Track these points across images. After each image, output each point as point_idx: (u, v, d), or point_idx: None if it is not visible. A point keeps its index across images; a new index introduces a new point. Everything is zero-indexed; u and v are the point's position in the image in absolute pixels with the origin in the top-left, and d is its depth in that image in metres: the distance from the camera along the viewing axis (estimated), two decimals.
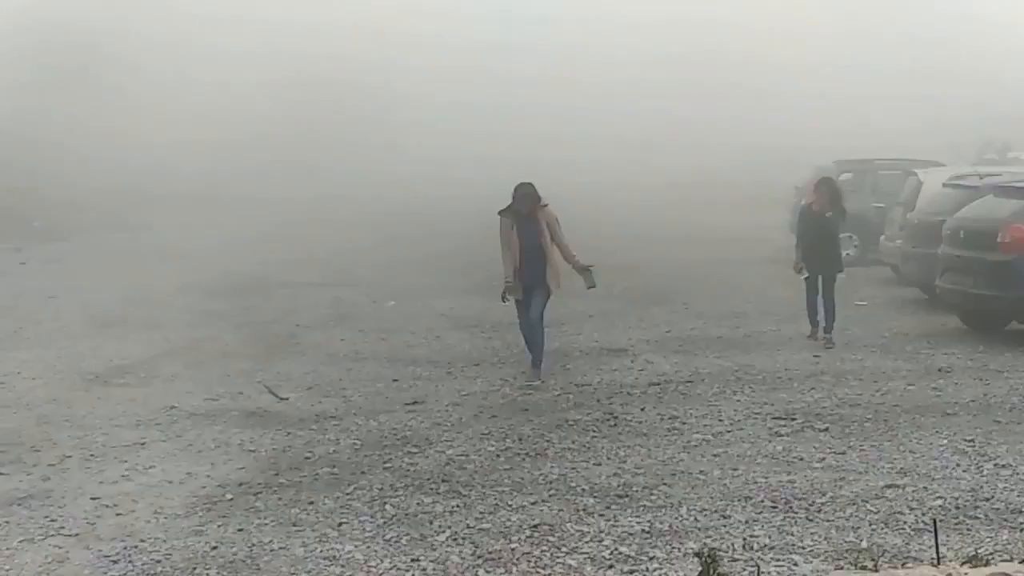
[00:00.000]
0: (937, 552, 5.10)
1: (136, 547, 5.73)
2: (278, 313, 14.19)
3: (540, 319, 9.77)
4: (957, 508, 6.03)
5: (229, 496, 6.55)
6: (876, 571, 4.93)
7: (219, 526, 6.02)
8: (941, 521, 5.60)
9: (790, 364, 10.21)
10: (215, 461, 7.33)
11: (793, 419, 8.09)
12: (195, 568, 5.42)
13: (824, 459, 7.03)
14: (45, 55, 40.70)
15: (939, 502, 6.12)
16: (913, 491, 6.31)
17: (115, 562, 5.54)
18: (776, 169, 32.34)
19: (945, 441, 7.40)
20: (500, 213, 9.84)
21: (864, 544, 5.46)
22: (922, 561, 5.21)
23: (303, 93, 45.98)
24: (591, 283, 9.84)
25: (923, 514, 5.91)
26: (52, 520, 6.18)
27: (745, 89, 46.51)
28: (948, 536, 5.52)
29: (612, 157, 42.01)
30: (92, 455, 7.53)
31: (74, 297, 15.58)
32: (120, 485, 6.83)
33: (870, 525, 5.77)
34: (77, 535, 5.94)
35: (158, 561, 5.53)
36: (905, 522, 5.81)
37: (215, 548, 5.68)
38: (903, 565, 5.13)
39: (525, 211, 9.69)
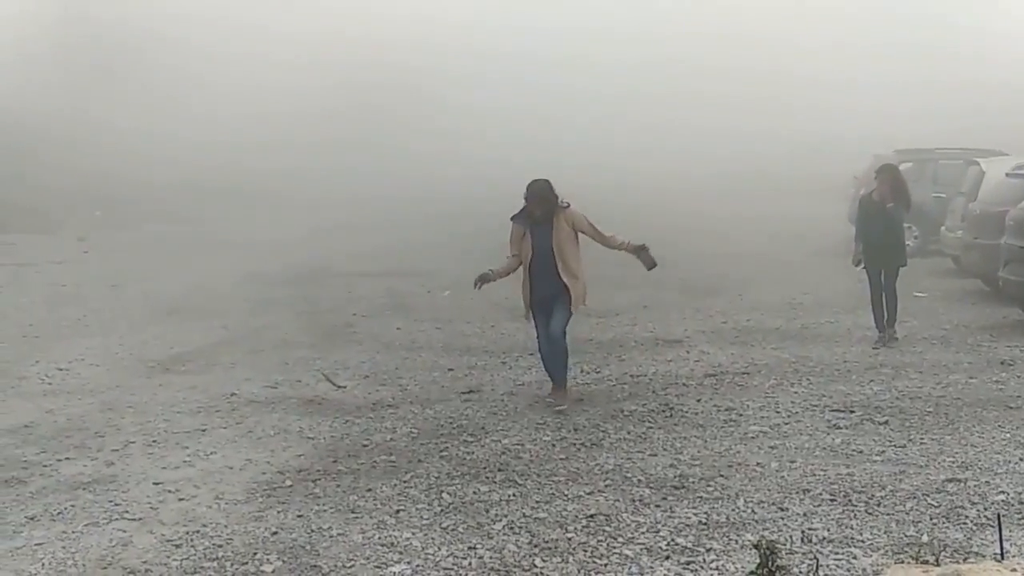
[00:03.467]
0: (1001, 547, 5.03)
1: (198, 532, 5.82)
2: (335, 302, 14.32)
3: (563, 335, 8.42)
4: (1021, 503, 5.93)
5: (288, 482, 6.63)
6: (937, 566, 4.87)
7: (279, 512, 6.10)
8: (1004, 516, 5.51)
9: (848, 356, 10.11)
10: (274, 448, 7.43)
11: (852, 412, 8.01)
12: (255, 553, 5.49)
13: (884, 452, 6.96)
14: (98, 52, 41.30)
15: (1002, 497, 6.03)
16: (975, 485, 6.23)
17: (177, 546, 5.63)
18: (831, 158, 32.01)
19: (1008, 435, 7.28)
20: (513, 218, 8.51)
21: (925, 538, 5.40)
22: (984, 556, 5.14)
23: (357, 93, 46.27)
24: (651, 263, 8.64)
25: (985, 509, 5.83)
26: (116, 504, 6.30)
27: (796, 93, 46.14)
28: (1011, 531, 5.43)
29: (663, 148, 41.83)
30: (154, 441, 7.66)
31: (136, 286, 15.84)
32: (182, 470, 6.95)
33: (931, 519, 5.70)
34: (140, 519, 6.05)
35: (219, 546, 5.62)
36: (967, 517, 5.74)
37: (275, 533, 5.76)
38: (965, 560, 5.07)
39: (540, 213, 8.34)
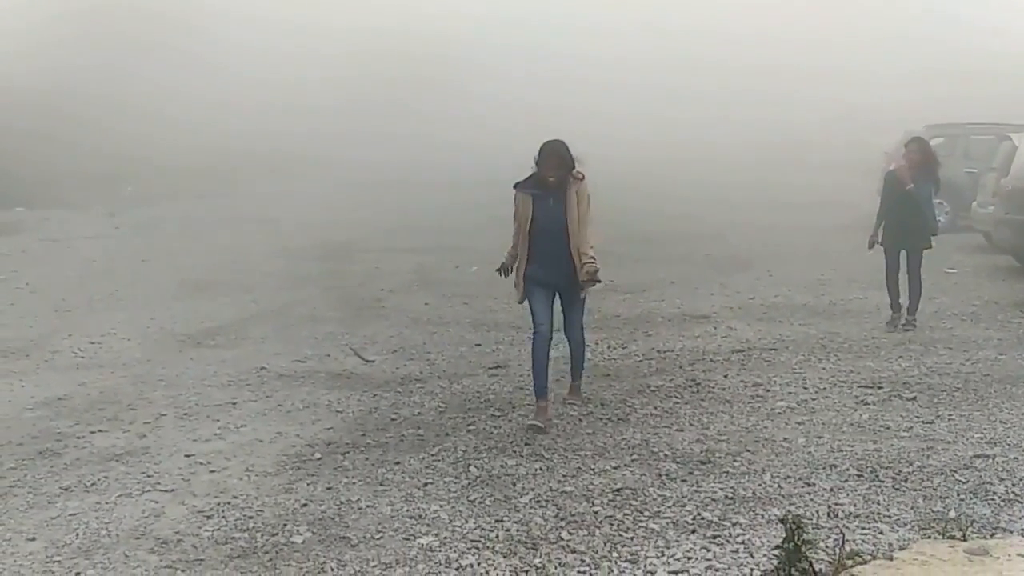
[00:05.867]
0: None
1: (229, 503, 5.90)
2: (363, 278, 14.39)
3: (582, 337, 7.60)
4: None
5: (318, 455, 6.70)
6: (964, 541, 4.86)
7: (308, 484, 6.16)
8: None
9: (877, 332, 10.07)
10: (304, 421, 7.50)
11: (880, 387, 7.98)
12: (285, 524, 5.56)
13: (911, 428, 6.94)
14: (131, 24, 41.48)
15: None
16: (1003, 461, 6.20)
17: (209, 517, 5.70)
18: (865, 132, 31.73)
19: None
20: (517, 186, 7.22)
21: (952, 514, 5.39)
22: (1012, 532, 5.13)
23: (389, 64, 46.30)
24: (583, 292, 7.28)
25: (1013, 485, 5.81)
26: (148, 476, 6.39)
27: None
28: None
29: (693, 117, 41.62)
30: (186, 414, 7.76)
31: (166, 261, 15.97)
32: (213, 443, 7.03)
33: (958, 495, 5.69)
34: (172, 491, 6.14)
35: (250, 517, 5.69)
36: (995, 492, 5.72)
37: (305, 505, 5.83)
38: (992, 536, 5.06)
39: (553, 178, 7.02)
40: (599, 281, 7.19)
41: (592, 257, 7.03)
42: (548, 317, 7.20)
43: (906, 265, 10.35)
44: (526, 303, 7.32)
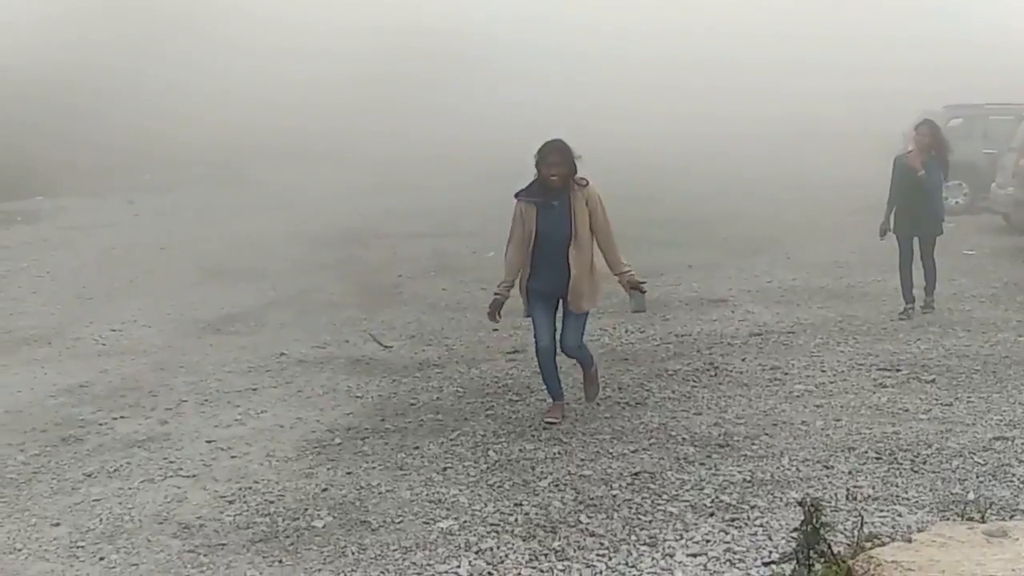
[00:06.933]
0: None
1: (250, 488, 5.95)
2: (381, 263, 14.42)
3: (580, 348, 7.05)
4: None
5: (338, 440, 6.75)
6: (983, 523, 4.86)
7: (329, 469, 6.21)
8: None
9: (895, 315, 10.03)
10: (324, 406, 7.55)
11: (898, 370, 7.97)
12: (306, 509, 5.61)
13: (930, 410, 6.94)
14: (148, 20, 41.54)
15: None
16: (1022, 443, 6.20)
17: (230, 502, 5.76)
18: (882, 116, 31.55)
19: None
20: (518, 196, 6.81)
21: (971, 496, 5.39)
22: None
23: (402, 56, 46.21)
24: (639, 307, 6.94)
25: None
26: (170, 462, 6.45)
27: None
28: None
29: (708, 105, 41.39)
30: (206, 400, 7.81)
31: (185, 248, 16.03)
32: (234, 429, 7.09)
33: (977, 477, 5.69)
34: (194, 476, 6.20)
35: (271, 502, 5.74)
36: (1014, 474, 5.72)
37: (325, 490, 5.87)
38: (1011, 517, 5.06)
39: (555, 176, 6.60)
40: (645, 292, 6.88)
41: (627, 265, 6.80)
42: (549, 331, 6.91)
43: (919, 252, 10.18)
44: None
